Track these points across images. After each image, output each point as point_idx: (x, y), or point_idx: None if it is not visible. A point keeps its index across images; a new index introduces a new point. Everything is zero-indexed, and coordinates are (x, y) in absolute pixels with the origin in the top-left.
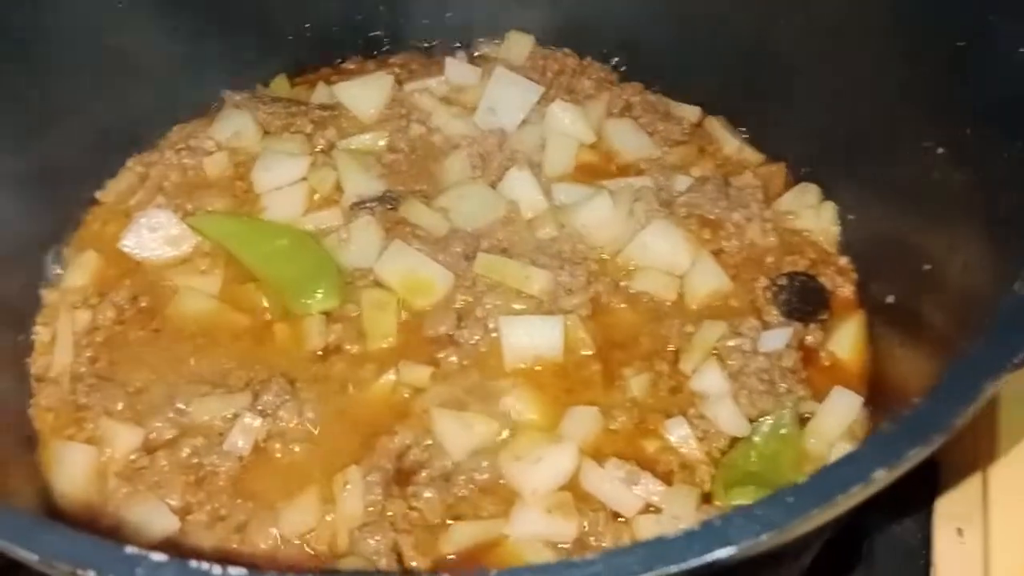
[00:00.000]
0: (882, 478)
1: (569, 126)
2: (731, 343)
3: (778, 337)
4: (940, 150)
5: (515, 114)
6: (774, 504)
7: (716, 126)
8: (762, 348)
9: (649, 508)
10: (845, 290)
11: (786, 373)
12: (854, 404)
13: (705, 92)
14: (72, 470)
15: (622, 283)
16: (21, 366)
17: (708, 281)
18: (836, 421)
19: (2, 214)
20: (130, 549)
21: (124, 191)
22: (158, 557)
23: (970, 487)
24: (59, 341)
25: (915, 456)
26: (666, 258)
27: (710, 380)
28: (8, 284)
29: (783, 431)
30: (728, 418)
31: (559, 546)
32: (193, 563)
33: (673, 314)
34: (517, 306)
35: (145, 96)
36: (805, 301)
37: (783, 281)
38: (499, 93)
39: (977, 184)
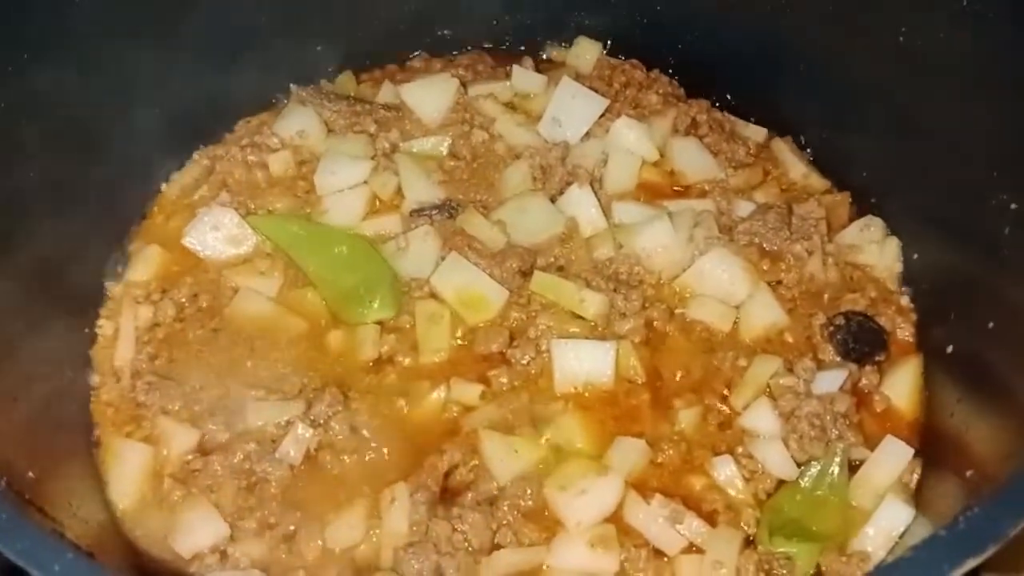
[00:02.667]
0: None
1: (633, 143)
2: (784, 382)
3: (832, 379)
4: (1013, 206)
5: (579, 126)
6: None
7: (783, 148)
8: (816, 390)
9: (692, 548)
10: (904, 331)
11: (838, 418)
12: (905, 456)
13: (775, 111)
14: (129, 468)
15: (677, 310)
16: (85, 359)
17: (764, 314)
18: (885, 472)
19: (70, 205)
20: None
21: (189, 185)
22: None
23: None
24: (121, 336)
25: (968, 565)
26: (723, 287)
27: (761, 419)
28: (75, 276)
29: (830, 479)
30: (776, 460)
31: None
32: None
33: (726, 345)
34: (571, 328)
35: (214, 87)
36: (862, 342)
37: (840, 321)
38: (564, 104)
39: None
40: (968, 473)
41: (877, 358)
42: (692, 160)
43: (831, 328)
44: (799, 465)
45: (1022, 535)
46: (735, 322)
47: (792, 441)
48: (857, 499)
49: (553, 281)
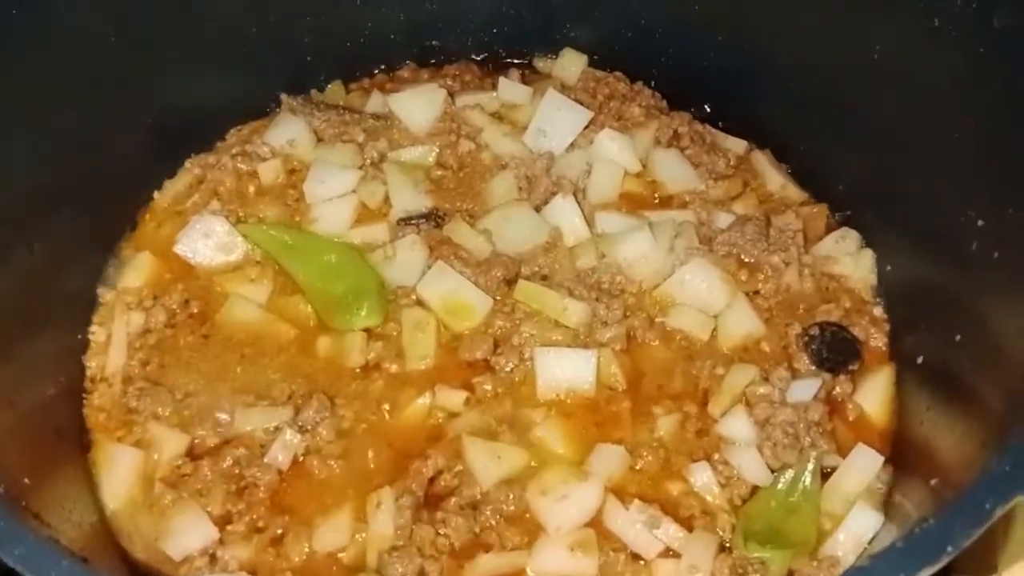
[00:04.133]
0: None
1: (616, 155)
2: (760, 390)
3: (806, 388)
4: (980, 222)
5: (564, 138)
6: None
7: (762, 160)
8: (790, 399)
9: (669, 552)
10: (878, 341)
11: (811, 427)
12: (875, 463)
13: (754, 124)
14: (120, 472)
15: (657, 319)
16: (78, 364)
17: (742, 324)
18: (856, 480)
19: (64, 212)
20: None
21: (181, 193)
22: None
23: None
24: (113, 342)
25: (923, 575)
26: (702, 297)
27: (737, 426)
28: (68, 282)
29: (803, 485)
30: (751, 467)
31: None
32: None
33: (705, 354)
34: (554, 336)
35: (204, 95)
36: (836, 351)
37: (815, 331)
38: (550, 115)
39: (1013, 268)
40: (933, 481)
41: (850, 367)
42: (674, 171)
43: (806, 338)
44: (773, 472)
45: (989, 539)
46: (713, 331)
47: (767, 448)
48: (828, 505)
49: (537, 290)
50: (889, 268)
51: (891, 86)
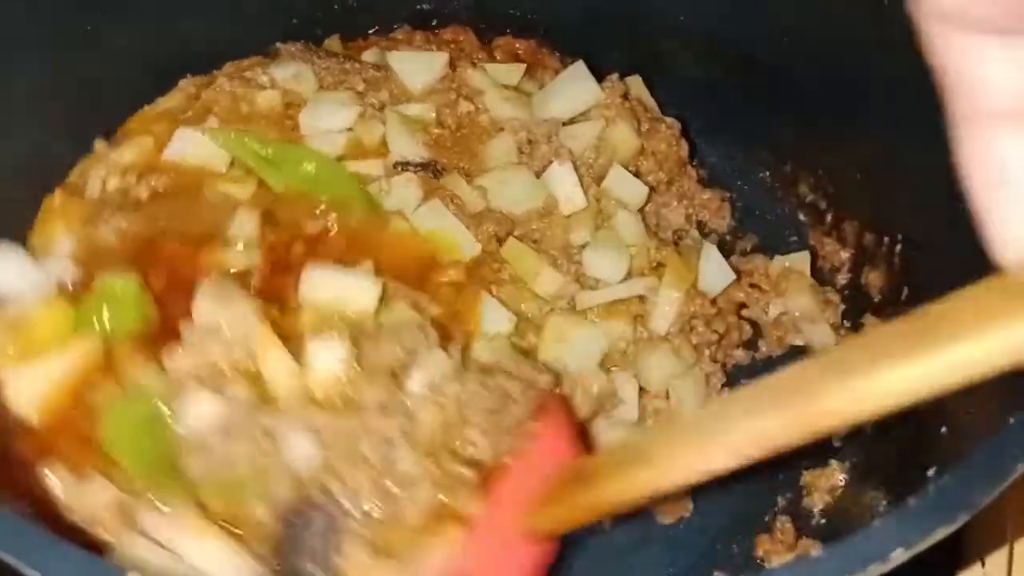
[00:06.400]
0: (900, 557)
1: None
2: None
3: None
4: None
5: (570, 105)
6: None
7: None
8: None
9: None
10: None
11: None
12: None
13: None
14: None
15: None
16: None
17: None
18: None
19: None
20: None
21: (173, 109)
22: None
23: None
24: None
25: (938, 535)
26: None
27: None
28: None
29: None
30: None
31: None
32: None
33: None
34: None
35: (191, 48)
36: None
37: None
38: (557, 84)
39: None
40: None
41: None
42: None
43: None
44: None
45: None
46: None
47: None
48: None
49: (522, 249)
50: None
51: None
